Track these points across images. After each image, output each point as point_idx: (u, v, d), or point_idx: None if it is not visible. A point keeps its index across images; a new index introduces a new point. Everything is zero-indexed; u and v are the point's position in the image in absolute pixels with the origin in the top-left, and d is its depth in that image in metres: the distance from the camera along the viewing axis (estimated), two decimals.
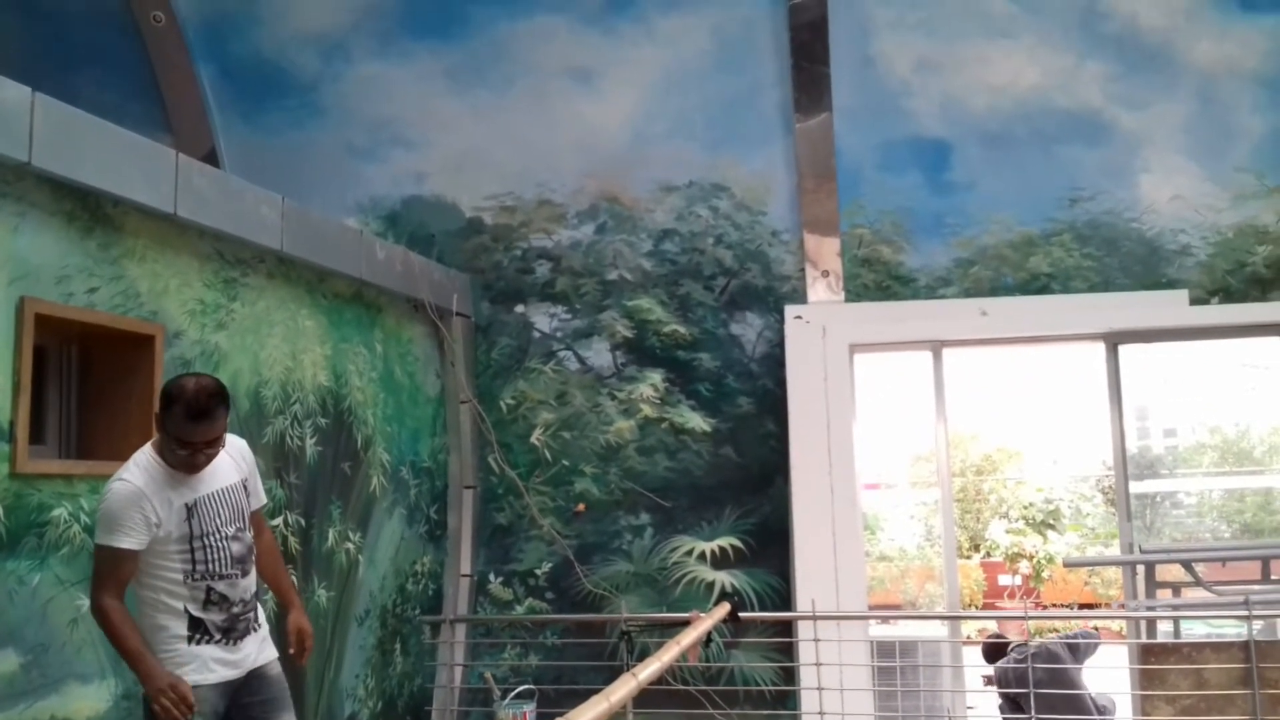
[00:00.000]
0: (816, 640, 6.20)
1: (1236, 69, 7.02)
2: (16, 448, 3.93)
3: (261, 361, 5.44)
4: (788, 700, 6.82)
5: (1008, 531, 15.93)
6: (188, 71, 7.64)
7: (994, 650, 7.02)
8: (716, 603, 6.58)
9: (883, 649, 6.81)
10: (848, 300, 7.39)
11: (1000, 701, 6.82)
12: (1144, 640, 6.27)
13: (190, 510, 3.74)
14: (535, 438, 7.65)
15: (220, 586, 3.80)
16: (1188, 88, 7.08)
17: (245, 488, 3.98)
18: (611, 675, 3.30)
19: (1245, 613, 5.77)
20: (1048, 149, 7.29)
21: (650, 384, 7.61)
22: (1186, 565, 6.63)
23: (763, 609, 7.20)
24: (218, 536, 3.80)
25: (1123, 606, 7.32)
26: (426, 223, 7.88)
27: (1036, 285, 7.30)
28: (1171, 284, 7.14)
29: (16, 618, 3.91)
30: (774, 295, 7.56)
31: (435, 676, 7.10)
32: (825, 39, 7.25)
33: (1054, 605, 14.59)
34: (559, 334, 7.77)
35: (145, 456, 3.75)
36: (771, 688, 7.03)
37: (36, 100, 3.99)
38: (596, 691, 2.83)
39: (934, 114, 7.35)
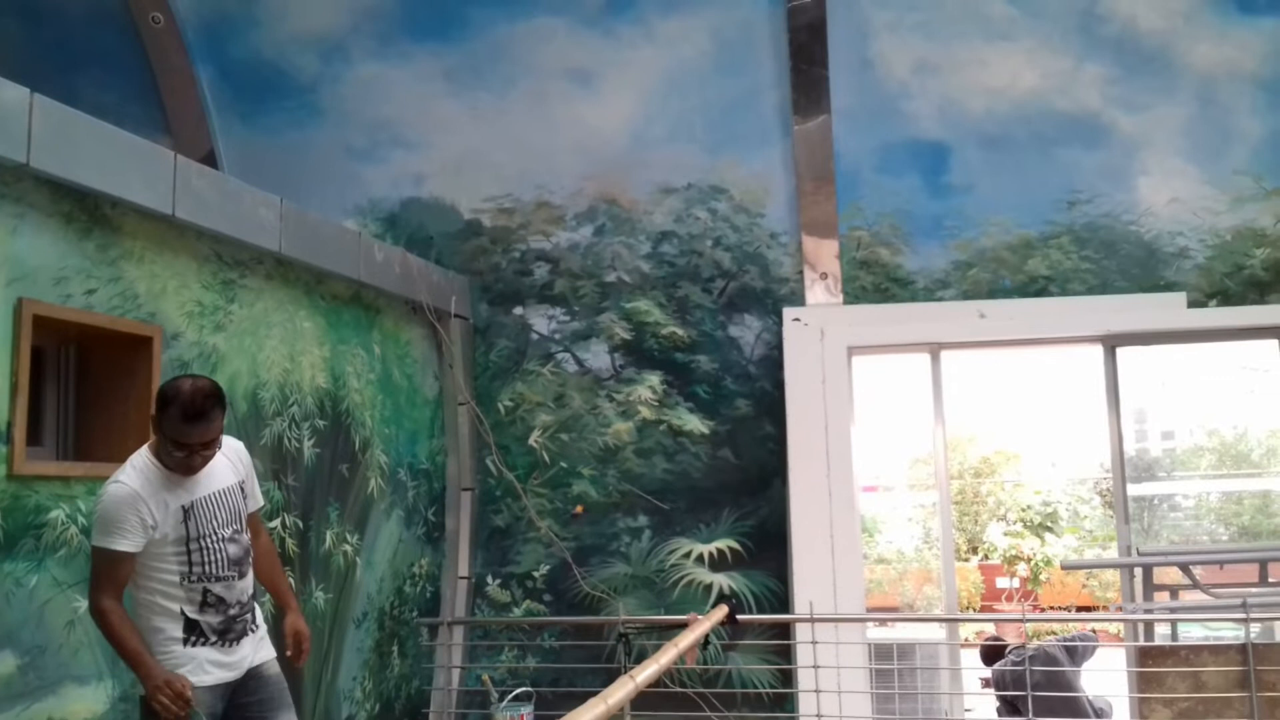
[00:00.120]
0: (814, 643, 6.20)
1: (1235, 72, 7.03)
2: (14, 449, 3.93)
3: (259, 363, 5.44)
4: (785, 703, 6.82)
5: (1006, 534, 15.94)
6: (186, 73, 7.64)
7: (992, 653, 7.02)
8: (714, 605, 6.58)
9: (880, 651, 6.81)
10: (846, 302, 7.39)
11: (998, 704, 6.83)
12: (1141, 643, 6.26)
13: (187, 512, 3.74)
14: (533, 440, 7.65)
15: (217, 588, 3.80)
16: (1186, 90, 7.09)
17: (242, 490, 3.98)
18: (609, 677, 3.30)
19: (1243, 615, 5.77)
20: (1046, 151, 7.30)
21: (648, 386, 7.61)
22: (1184, 568, 6.63)
23: (760, 611, 7.20)
24: (214, 539, 3.79)
25: (1120, 609, 7.32)
26: (425, 224, 7.88)
27: (1035, 288, 7.31)
28: (1169, 286, 7.15)
29: (14, 619, 3.91)
30: (772, 297, 7.56)
31: (433, 679, 7.10)
32: (824, 41, 7.26)
33: (1052, 608, 14.60)
34: (557, 336, 7.77)
35: (142, 459, 3.75)
36: (769, 690, 7.03)
37: (35, 101, 3.99)
38: (594, 694, 2.83)
39: (932, 116, 7.36)
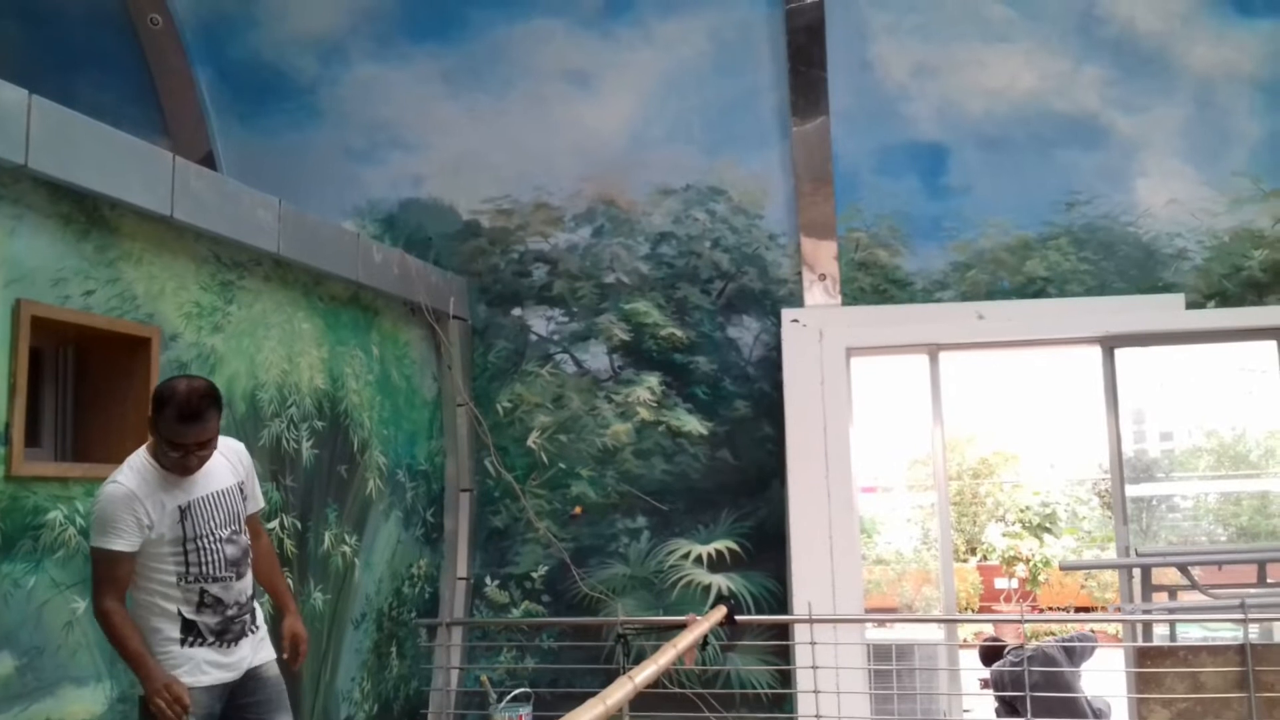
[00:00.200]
0: (813, 643, 6.20)
1: (1233, 73, 7.03)
2: (12, 450, 3.93)
3: (258, 364, 5.44)
4: (784, 703, 6.82)
5: (1004, 535, 15.95)
6: (185, 74, 7.64)
7: (990, 653, 7.02)
8: (713, 606, 6.59)
9: (879, 652, 6.81)
10: (844, 304, 7.39)
11: (996, 705, 6.83)
12: (1140, 643, 6.27)
13: (184, 513, 3.74)
14: (532, 441, 7.65)
15: (214, 589, 3.80)
16: (1184, 92, 7.09)
17: (241, 491, 3.98)
18: (608, 678, 3.30)
19: (1241, 616, 5.77)
20: (1045, 153, 7.30)
21: (647, 387, 7.62)
22: (1182, 569, 6.63)
23: (759, 612, 7.20)
24: (212, 539, 3.79)
25: (1119, 610, 7.32)
26: (424, 226, 7.88)
27: (1033, 289, 7.31)
28: (1168, 288, 7.15)
29: (12, 620, 3.91)
30: (771, 298, 7.56)
31: (431, 679, 7.10)
32: (822, 43, 7.26)
33: (1050, 608, 14.60)
34: (556, 337, 7.77)
35: (140, 459, 3.75)
36: (768, 691, 7.03)
37: (33, 102, 3.99)
38: (593, 694, 2.83)
39: (931, 118, 7.36)
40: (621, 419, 7.61)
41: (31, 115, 3.98)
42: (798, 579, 6.79)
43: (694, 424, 7.56)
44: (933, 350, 7.22)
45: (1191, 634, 6.84)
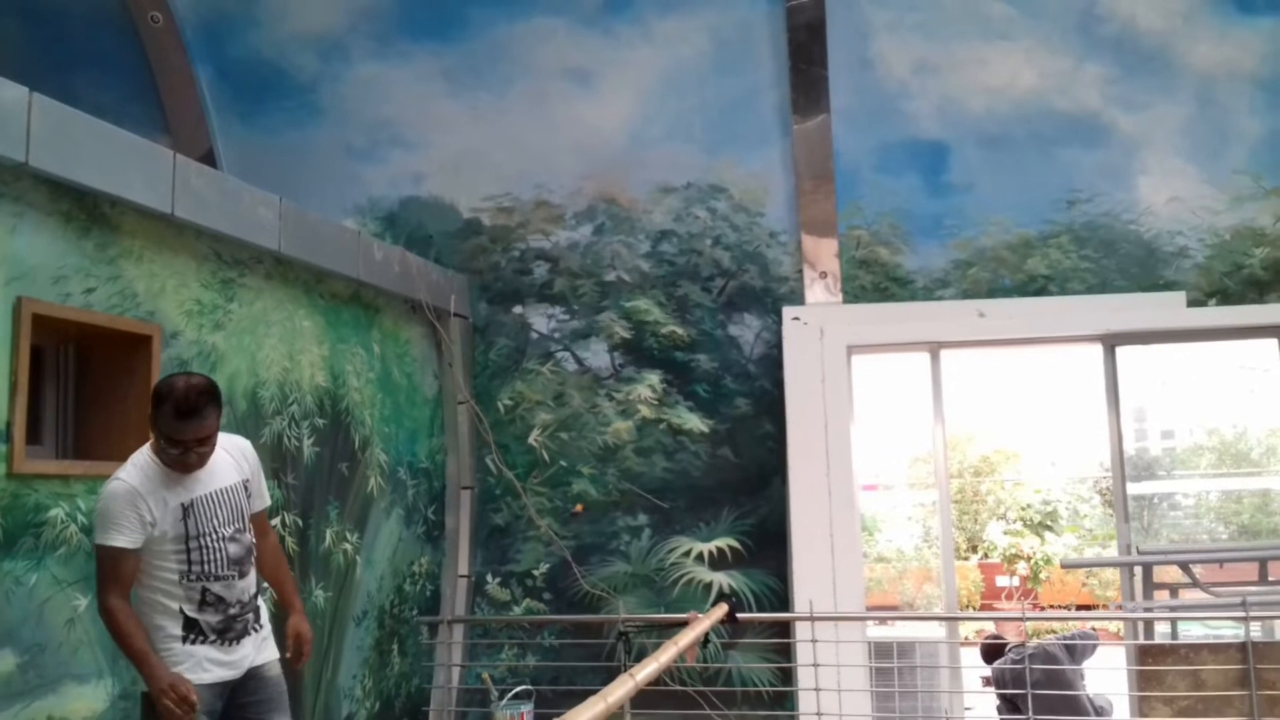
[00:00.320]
0: (814, 641, 6.20)
1: (1234, 71, 7.03)
2: (13, 448, 3.93)
3: (259, 362, 5.44)
4: (785, 701, 6.82)
5: (1005, 533, 15.97)
6: (185, 72, 7.64)
7: (992, 651, 7.02)
8: (714, 603, 6.58)
9: (880, 650, 6.81)
10: (845, 301, 7.39)
11: (998, 703, 6.83)
12: (1141, 641, 6.27)
13: (186, 510, 3.74)
14: (533, 438, 7.65)
15: (216, 588, 3.80)
16: (1186, 90, 7.09)
17: (246, 489, 3.98)
18: (609, 676, 3.30)
19: (1242, 614, 5.77)
20: (1046, 151, 7.30)
21: (648, 385, 7.62)
22: (1184, 566, 6.63)
23: (760, 610, 7.20)
24: (214, 537, 3.80)
25: (1120, 608, 7.32)
26: (424, 224, 7.88)
27: (1034, 287, 7.31)
28: (1169, 286, 7.15)
29: (13, 618, 3.91)
30: (772, 296, 7.56)
31: (433, 677, 7.10)
32: (823, 41, 7.26)
33: (1051, 606, 14.61)
34: (557, 335, 7.77)
35: (143, 456, 3.76)
36: (769, 688, 7.03)
37: (34, 100, 3.99)
38: (594, 692, 2.83)
39: (932, 116, 7.36)
40: (622, 417, 7.61)
41: (32, 113, 3.98)
42: (799, 577, 6.79)
43: (695, 422, 7.56)
44: (934, 348, 7.21)
45: (1193, 632, 6.84)
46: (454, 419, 7.54)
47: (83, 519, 4.20)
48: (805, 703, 6.28)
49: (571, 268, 7.78)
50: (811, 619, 6.27)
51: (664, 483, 7.52)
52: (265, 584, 4.27)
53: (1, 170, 3.96)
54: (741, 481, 7.46)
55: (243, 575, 3.89)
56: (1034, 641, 6.95)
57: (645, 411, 7.59)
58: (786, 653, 6.76)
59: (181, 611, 3.75)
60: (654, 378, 7.63)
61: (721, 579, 7.34)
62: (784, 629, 6.87)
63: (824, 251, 7.43)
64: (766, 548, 7.31)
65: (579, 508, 7.54)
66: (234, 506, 3.90)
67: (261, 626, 4.01)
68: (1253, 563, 6.67)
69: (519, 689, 6.67)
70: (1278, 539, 8.23)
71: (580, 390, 7.69)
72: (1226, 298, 7.08)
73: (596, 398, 7.66)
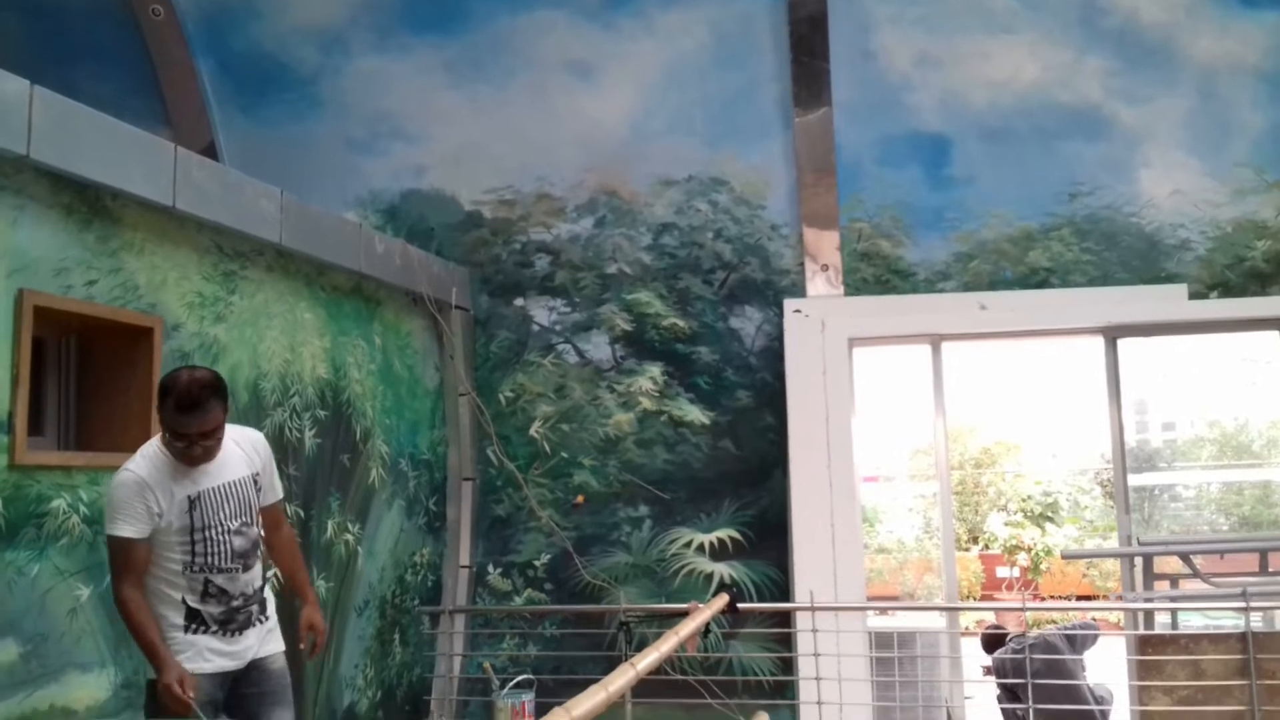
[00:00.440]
0: (815, 631, 6.22)
1: (1237, 64, 7.02)
2: (15, 439, 3.95)
3: (260, 354, 5.45)
4: (786, 690, 6.84)
5: (1006, 524, 15.97)
6: (187, 65, 7.64)
7: (992, 641, 7.04)
8: (715, 594, 6.61)
9: (881, 640, 6.82)
10: (847, 294, 7.39)
11: (998, 692, 6.85)
12: (1142, 631, 6.28)
13: (192, 503, 3.76)
14: (534, 430, 7.66)
15: (219, 580, 3.82)
16: (1188, 83, 7.08)
17: (256, 482, 3.99)
18: (610, 665, 3.31)
19: (1243, 604, 5.79)
20: (1047, 144, 7.29)
21: (649, 377, 7.63)
22: (1184, 557, 6.64)
23: (761, 600, 7.22)
24: (219, 530, 3.81)
25: (1121, 598, 7.33)
26: (425, 216, 7.88)
27: (1036, 279, 7.31)
28: (1170, 278, 7.14)
29: (16, 608, 3.93)
30: (773, 289, 7.56)
31: (434, 666, 7.13)
32: (825, 33, 7.25)
33: (1052, 597, 14.62)
34: (558, 327, 7.78)
35: (152, 448, 3.80)
36: (770, 678, 7.06)
37: (35, 93, 4.00)
38: (595, 681, 2.84)
39: (934, 109, 7.35)
40: (624, 409, 7.62)
41: (33, 106, 3.99)
42: (800, 567, 6.81)
43: (696, 414, 7.57)
44: (935, 340, 7.22)
45: (1193, 622, 6.86)
46: (455, 411, 7.55)
47: (84, 510, 4.22)
48: (806, 692, 6.30)
49: (573, 260, 7.79)
50: (812, 609, 6.29)
51: (665, 474, 7.53)
52: (272, 575, 4.28)
53: (3, 163, 3.97)
54: (742, 473, 7.48)
55: (247, 568, 3.91)
56: (1034, 632, 6.97)
57: (646, 403, 7.60)
58: (787, 643, 6.78)
59: (184, 601, 3.78)
60: (655, 370, 7.64)
61: (722, 569, 7.35)
62: (785, 619, 6.89)
63: (825, 244, 7.43)
64: (767, 539, 7.32)
65: (580, 499, 7.55)
66: (242, 499, 3.91)
67: (267, 618, 4.03)
68: (1253, 554, 6.68)
69: (520, 678, 6.69)
70: (1278, 530, 8.24)
71: (581, 382, 7.70)
72: (1228, 290, 7.08)
73: (598, 390, 7.67)
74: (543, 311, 7.80)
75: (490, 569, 7.59)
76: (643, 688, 3.47)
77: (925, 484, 15.09)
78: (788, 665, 6.81)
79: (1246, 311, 6.88)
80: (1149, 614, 6.65)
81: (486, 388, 7.72)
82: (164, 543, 3.73)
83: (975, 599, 14.37)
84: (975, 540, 16.33)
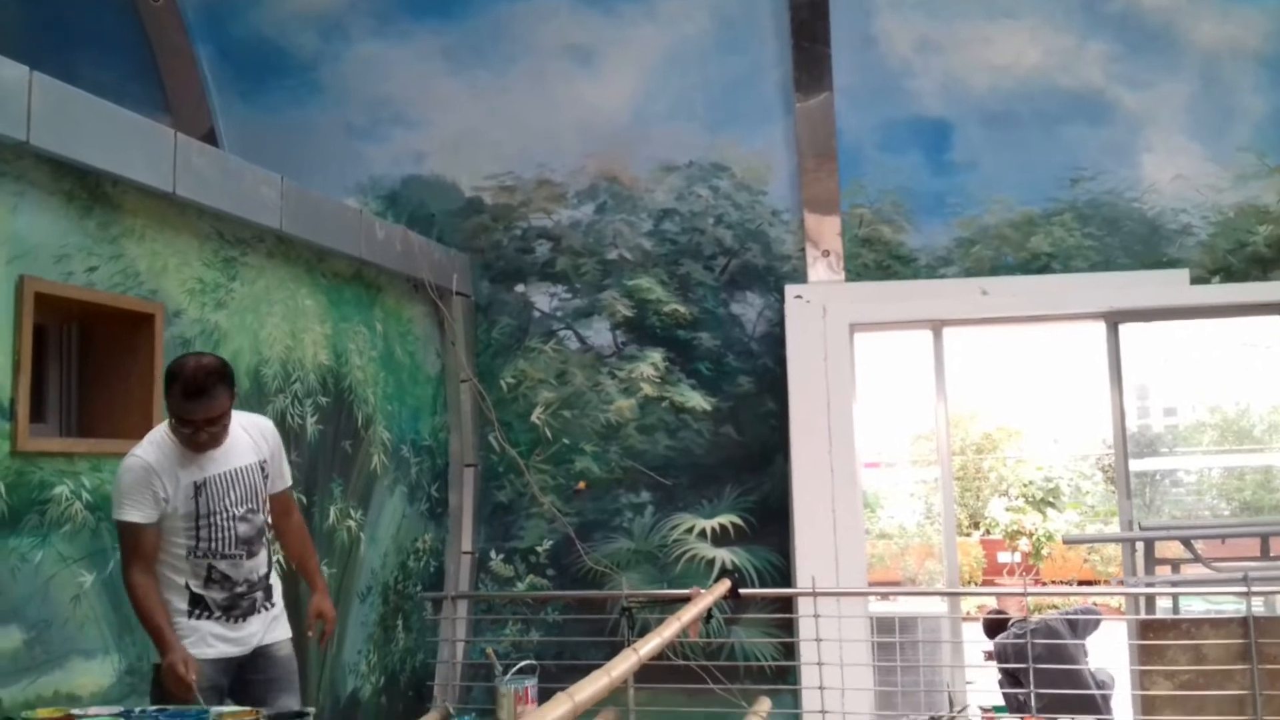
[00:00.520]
0: (816, 616, 6.23)
1: (1239, 49, 6.99)
2: (17, 426, 3.95)
3: (261, 340, 5.45)
4: (788, 675, 6.85)
5: (1007, 509, 16.00)
6: (186, 51, 7.61)
7: (994, 626, 7.06)
8: (717, 579, 6.62)
9: (882, 625, 6.84)
10: (848, 280, 7.38)
11: (1000, 677, 6.87)
12: (1143, 616, 6.29)
13: (198, 489, 3.78)
14: (535, 416, 7.67)
15: (222, 566, 3.84)
16: (1190, 68, 7.05)
17: (263, 469, 4.00)
18: (612, 651, 3.32)
19: (1244, 589, 5.80)
20: (1049, 129, 7.27)
21: (650, 363, 7.62)
22: (1186, 542, 6.65)
23: (763, 585, 7.23)
24: (224, 516, 3.83)
25: (1122, 583, 7.35)
26: (426, 202, 7.87)
27: (1037, 265, 7.30)
28: (1172, 263, 7.13)
29: (19, 595, 3.94)
30: (774, 275, 7.55)
31: (437, 652, 7.14)
32: (826, 18, 7.22)
33: (1053, 582, 14.65)
34: (559, 313, 7.77)
35: (160, 433, 3.83)
36: (771, 663, 7.07)
37: (34, 79, 3.99)
38: (598, 667, 2.85)
39: (935, 94, 7.33)
40: (625, 395, 7.62)
41: (33, 92, 3.97)
42: (801, 553, 6.82)
43: (697, 400, 7.57)
44: (936, 326, 7.22)
45: (1194, 607, 6.88)
46: (457, 397, 7.55)
47: (87, 496, 4.22)
48: (808, 677, 6.31)
49: (574, 246, 7.78)
50: (814, 594, 6.30)
51: (666, 460, 7.54)
52: (278, 560, 4.29)
53: (3, 149, 3.96)
54: (744, 459, 7.48)
55: (251, 555, 3.92)
56: (1036, 616, 6.99)
57: (648, 389, 7.60)
58: (789, 628, 6.79)
59: (188, 587, 3.80)
60: (656, 356, 7.63)
61: (724, 555, 7.36)
62: (786, 604, 6.90)
63: (826, 230, 7.42)
64: (769, 524, 7.33)
65: (582, 485, 7.56)
66: (248, 486, 3.93)
67: (273, 605, 4.04)
68: (1254, 538, 6.69)
69: (523, 664, 6.69)
70: (1279, 515, 8.25)
71: (582, 368, 7.70)
72: (1230, 275, 7.07)
73: (599, 376, 7.67)
74: (544, 297, 7.80)
75: (492, 555, 7.60)
76: (645, 673, 3.48)
77: (926, 469, 15.11)
78: (789, 650, 6.83)
79: (1248, 296, 6.87)
80: (1150, 599, 6.66)
81: (488, 374, 7.72)
82: (170, 528, 3.75)
83: (976, 584, 14.40)
84: (976, 525, 16.36)
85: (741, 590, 5.90)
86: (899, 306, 7.24)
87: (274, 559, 4.12)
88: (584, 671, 2.78)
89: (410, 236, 6.91)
